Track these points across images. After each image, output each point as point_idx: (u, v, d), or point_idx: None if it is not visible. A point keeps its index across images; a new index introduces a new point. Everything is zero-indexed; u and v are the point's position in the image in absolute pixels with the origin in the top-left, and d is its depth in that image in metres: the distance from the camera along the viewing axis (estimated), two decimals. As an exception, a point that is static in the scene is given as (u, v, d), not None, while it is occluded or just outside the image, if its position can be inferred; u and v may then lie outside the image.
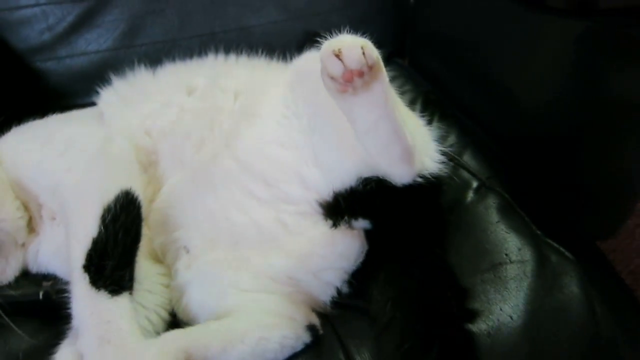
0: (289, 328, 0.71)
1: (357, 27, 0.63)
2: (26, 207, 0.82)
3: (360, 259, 0.75)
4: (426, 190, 0.73)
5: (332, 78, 0.61)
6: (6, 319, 0.71)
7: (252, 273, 0.75)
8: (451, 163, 0.82)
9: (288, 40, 1.13)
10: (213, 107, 0.88)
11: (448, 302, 0.70)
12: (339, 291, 0.76)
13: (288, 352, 0.71)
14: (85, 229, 0.69)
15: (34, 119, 0.90)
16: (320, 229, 0.75)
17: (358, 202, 0.73)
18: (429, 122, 0.84)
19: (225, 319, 0.72)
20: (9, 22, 1.09)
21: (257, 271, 0.75)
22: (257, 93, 0.88)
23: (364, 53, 0.59)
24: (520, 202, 0.87)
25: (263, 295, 0.74)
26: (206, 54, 0.98)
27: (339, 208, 0.74)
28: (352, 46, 0.59)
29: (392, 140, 0.67)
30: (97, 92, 0.95)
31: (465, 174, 0.94)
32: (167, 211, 0.82)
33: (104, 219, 0.69)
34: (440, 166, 0.76)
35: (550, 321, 0.72)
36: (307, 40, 0.78)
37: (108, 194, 0.72)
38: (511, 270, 0.76)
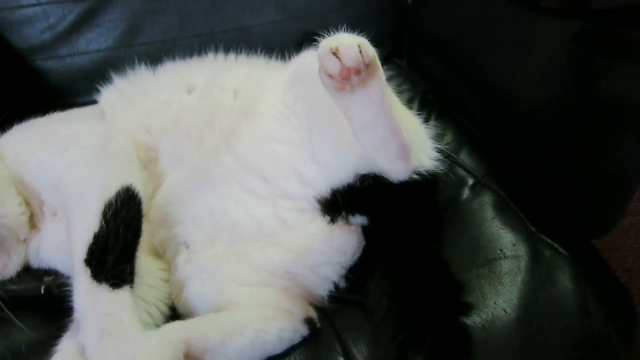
0: (287, 321, 0.72)
1: (355, 27, 0.64)
2: (28, 204, 0.82)
3: (358, 254, 0.76)
4: (422, 187, 0.73)
5: (330, 76, 0.62)
6: (9, 312, 0.72)
7: (251, 268, 0.76)
8: (447, 160, 0.83)
9: (287, 40, 1.14)
10: (213, 105, 0.88)
11: (443, 295, 0.71)
12: (336, 285, 0.77)
13: (286, 345, 0.71)
14: (86, 224, 0.69)
15: (35, 117, 0.90)
16: (318, 224, 0.76)
17: (355, 199, 0.74)
18: (426, 121, 0.85)
19: (224, 311, 0.72)
20: (10, 21, 1.09)
21: (256, 266, 0.76)
22: (256, 91, 0.89)
23: (360, 51, 0.60)
24: (516, 199, 0.88)
25: (262, 289, 0.75)
26: (206, 53, 0.99)
27: (336, 204, 0.75)
28: (349, 44, 0.60)
29: (388, 137, 0.67)
30: (98, 90, 0.95)
31: (461, 172, 0.94)
32: (167, 207, 0.83)
33: (105, 214, 0.70)
34: (437, 163, 0.76)
35: (544, 315, 0.73)
36: (305, 39, 0.78)
37: (109, 190, 0.72)
38: (505, 265, 0.77)
